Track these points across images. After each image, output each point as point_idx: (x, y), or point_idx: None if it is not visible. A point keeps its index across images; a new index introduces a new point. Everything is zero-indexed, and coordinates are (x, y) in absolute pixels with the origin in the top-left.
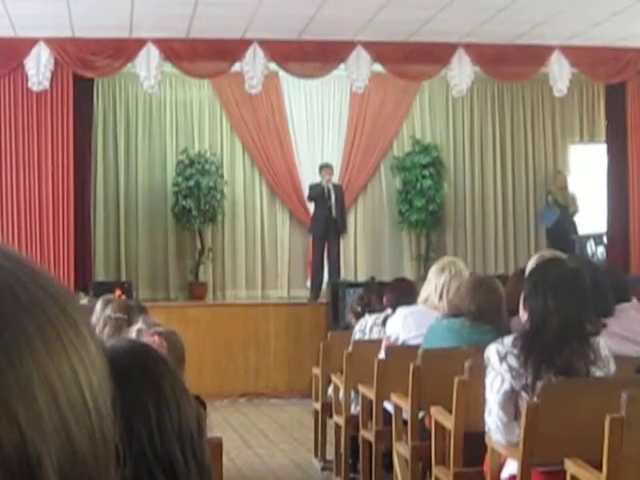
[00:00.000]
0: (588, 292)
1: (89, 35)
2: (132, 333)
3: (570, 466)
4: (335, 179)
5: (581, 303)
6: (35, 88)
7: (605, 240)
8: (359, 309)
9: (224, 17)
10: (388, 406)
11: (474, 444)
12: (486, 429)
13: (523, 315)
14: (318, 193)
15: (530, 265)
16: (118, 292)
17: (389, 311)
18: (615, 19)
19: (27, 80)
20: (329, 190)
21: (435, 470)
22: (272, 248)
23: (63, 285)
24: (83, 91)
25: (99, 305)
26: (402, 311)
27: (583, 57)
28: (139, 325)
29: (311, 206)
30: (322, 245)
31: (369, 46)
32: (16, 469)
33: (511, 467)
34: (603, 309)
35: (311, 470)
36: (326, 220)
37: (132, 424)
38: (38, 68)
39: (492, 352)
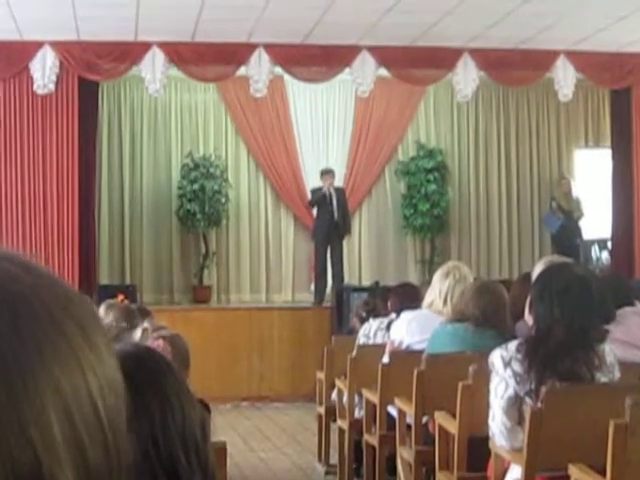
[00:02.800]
0: (594, 299)
1: (94, 38)
2: (137, 333)
3: (574, 471)
4: (340, 183)
5: (587, 310)
6: (40, 91)
7: (610, 245)
8: (364, 314)
9: (229, 21)
10: (392, 411)
11: (478, 449)
12: (490, 434)
13: (529, 319)
14: (320, 198)
15: (537, 270)
16: (121, 296)
17: (393, 316)
18: (620, 24)
19: (32, 83)
20: (331, 195)
21: (439, 475)
22: (276, 252)
23: (81, 296)
24: (88, 94)
25: (102, 311)
26: (406, 316)
27: (588, 62)
28: (145, 324)
29: (314, 210)
30: (325, 249)
31: (374, 50)
32: None
33: (515, 472)
34: (603, 315)
35: (314, 474)
36: (328, 225)
37: (136, 428)
38: (43, 71)
39: (496, 357)
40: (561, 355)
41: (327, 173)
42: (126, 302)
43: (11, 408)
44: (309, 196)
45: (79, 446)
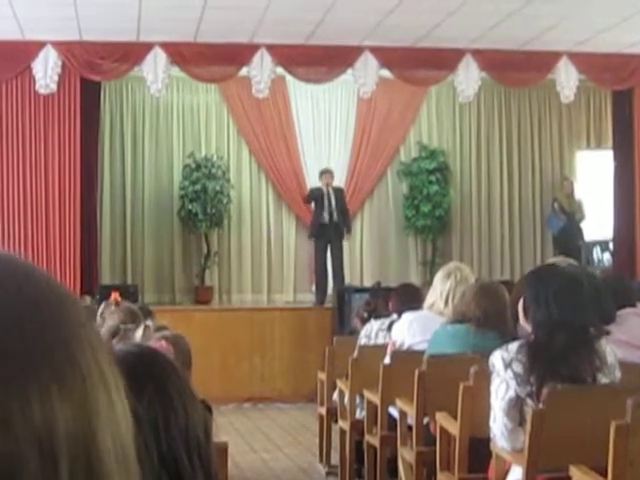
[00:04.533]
0: (588, 296)
1: (97, 38)
2: (139, 331)
3: (575, 473)
4: (341, 184)
5: (583, 309)
6: (42, 91)
7: (611, 246)
8: (365, 314)
9: (231, 21)
10: (393, 411)
11: (479, 450)
12: (491, 435)
13: (526, 326)
14: (316, 195)
15: None
16: (115, 294)
17: (395, 316)
18: (622, 26)
19: (34, 83)
20: (329, 194)
21: (440, 476)
22: (278, 252)
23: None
24: (90, 94)
25: (104, 312)
26: (408, 316)
27: (590, 63)
28: (147, 322)
29: (312, 206)
30: (325, 250)
31: (376, 51)
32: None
33: (516, 473)
34: (603, 316)
35: (316, 475)
36: (327, 225)
37: (139, 428)
38: (45, 71)
39: (497, 359)
40: (566, 357)
41: (325, 172)
42: (120, 299)
43: (55, 328)
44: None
45: (106, 386)
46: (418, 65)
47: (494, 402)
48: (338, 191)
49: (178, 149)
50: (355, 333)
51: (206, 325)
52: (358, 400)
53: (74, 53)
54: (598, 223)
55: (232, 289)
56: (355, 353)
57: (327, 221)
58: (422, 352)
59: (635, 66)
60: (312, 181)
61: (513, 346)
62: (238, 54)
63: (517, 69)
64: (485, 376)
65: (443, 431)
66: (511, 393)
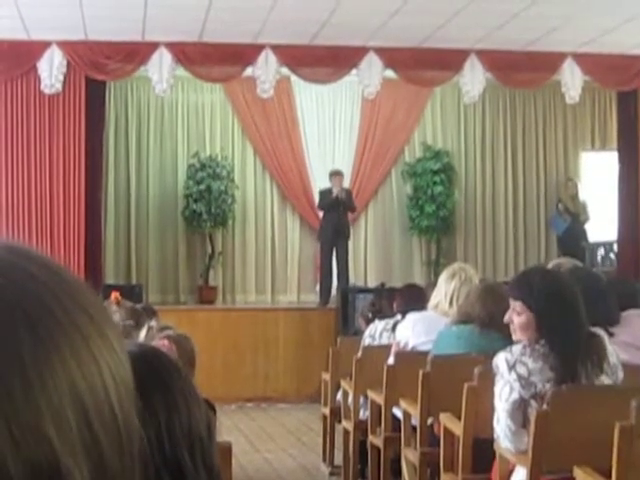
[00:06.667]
0: (580, 296)
1: (102, 38)
2: (142, 332)
3: (579, 474)
4: (346, 184)
5: (584, 310)
6: (48, 91)
7: (616, 248)
8: (369, 315)
9: (236, 21)
10: (397, 412)
11: (483, 451)
12: (495, 436)
13: (530, 336)
14: (330, 202)
15: None
16: (115, 293)
17: (399, 317)
18: (627, 27)
19: (40, 83)
20: (339, 197)
21: (443, 477)
22: (282, 252)
23: (86, 284)
24: (95, 94)
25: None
26: (412, 317)
27: (595, 64)
28: (151, 323)
29: (321, 212)
30: (330, 250)
31: (381, 52)
32: None
33: (520, 474)
34: (607, 318)
35: (319, 475)
36: (335, 226)
37: (142, 428)
38: (51, 71)
39: (501, 360)
40: (576, 360)
41: (337, 175)
42: (120, 298)
43: (29, 408)
44: (316, 197)
45: (95, 441)
46: (423, 66)
47: (498, 404)
48: (347, 193)
49: (183, 149)
50: (359, 333)
51: (210, 325)
52: (362, 400)
53: (79, 53)
54: (602, 224)
55: (236, 289)
56: (359, 353)
57: (335, 223)
58: (426, 353)
59: None
60: (316, 181)
61: (517, 348)
62: (243, 54)
63: (522, 70)
64: (489, 377)
65: (447, 432)
66: (515, 395)
